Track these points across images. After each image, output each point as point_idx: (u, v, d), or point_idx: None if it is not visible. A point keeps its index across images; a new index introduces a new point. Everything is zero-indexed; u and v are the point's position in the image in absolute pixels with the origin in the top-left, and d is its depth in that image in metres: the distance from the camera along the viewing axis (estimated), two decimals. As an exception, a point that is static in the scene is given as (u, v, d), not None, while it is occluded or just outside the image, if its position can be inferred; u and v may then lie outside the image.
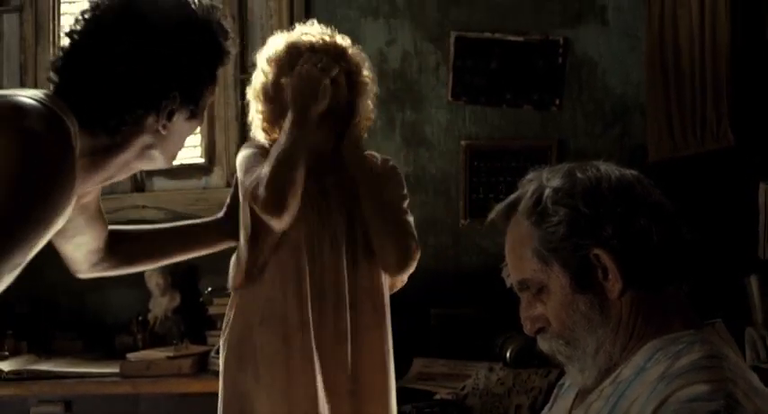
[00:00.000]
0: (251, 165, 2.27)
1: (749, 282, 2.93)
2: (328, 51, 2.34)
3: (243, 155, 2.34)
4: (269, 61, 2.36)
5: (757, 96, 3.07)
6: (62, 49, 1.59)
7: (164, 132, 1.60)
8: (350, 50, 2.41)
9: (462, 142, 3.60)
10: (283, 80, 2.30)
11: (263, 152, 2.30)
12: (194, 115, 1.65)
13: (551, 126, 3.57)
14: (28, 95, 1.46)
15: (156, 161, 1.68)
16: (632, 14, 3.52)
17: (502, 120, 3.60)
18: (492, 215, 1.49)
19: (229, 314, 2.32)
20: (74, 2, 3.91)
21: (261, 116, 2.38)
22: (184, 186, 3.76)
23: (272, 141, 2.32)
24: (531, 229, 1.39)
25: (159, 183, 3.78)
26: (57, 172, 1.41)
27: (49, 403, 3.06)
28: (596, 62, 3.57)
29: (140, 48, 1.54)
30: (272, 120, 2.35)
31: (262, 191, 2.16)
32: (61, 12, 3.90)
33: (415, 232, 2.38)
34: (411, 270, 2.36)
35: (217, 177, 3.77)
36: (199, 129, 1.78)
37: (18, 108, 1.42)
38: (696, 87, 3.14)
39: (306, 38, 2.38)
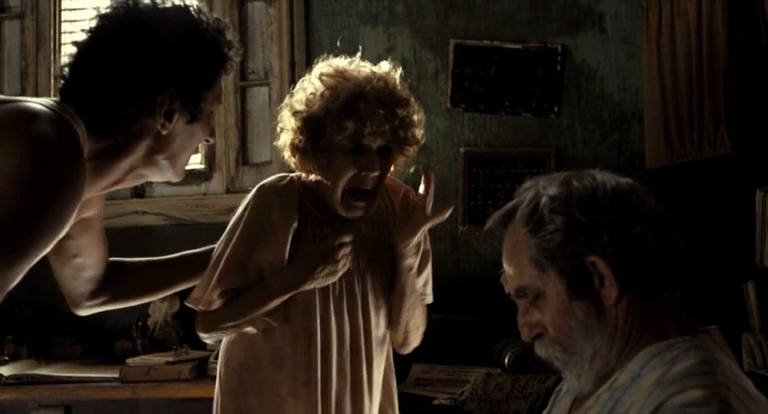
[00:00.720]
0: (235, 234, 2.09)
1: (746, 288, 2.94)
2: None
3: (250, 197, 2.15)
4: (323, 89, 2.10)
5: (755, 104, 3.08)
6: (69, 57, 1.62)
7: (163, 132, 1.61)
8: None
9: (461, 149, 3.61)
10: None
11: (269, 220, 2.11)
12: (195, 118, 1.65)
13: (550, 133, 3.58)
14: (36, 102, 1.48)
15: (163, 169, 1.68)
16: (630, 22, 3.54)
17: (500, 127, 3.61)
18: (489, 223, 1.51)
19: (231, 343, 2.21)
20: (75, 9, 3.93)
21: (292, 136, 2.12)
22: (184, 192, 3.77)
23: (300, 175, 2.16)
24: (527, 237, 1.41)
25: (159, 189, 3.79)
26: (68, 176, 1.42)
27: (48, 408, 3.07)
28: (594, 70, 3.58)
29: (137, 47, 1.58)
30: (303, 151, 2.11)
31: (199, 310, 2.10)
32: (62, 19, 3.91)
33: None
34: None
35: (217, 183, 3.78)
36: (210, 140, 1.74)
37: (28, 113, 1.43)
38: (694, 95, 3.16)
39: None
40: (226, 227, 2.16)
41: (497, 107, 3.61)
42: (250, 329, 2.10)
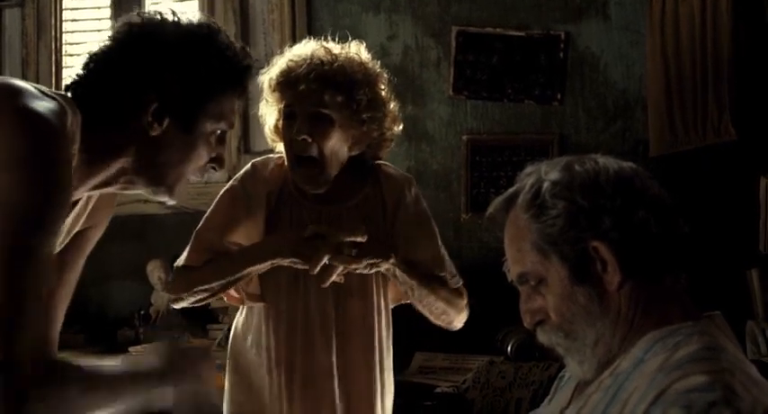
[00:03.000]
0: (218, 208, 2.19)
1: (750, 275, 2.93)
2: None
3: (235, 179, 2.24)
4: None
5: (758, 91, 3.07)
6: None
7: (152, 133, 1.56)
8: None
9: (464, 137, 3.60)
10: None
11: (253, 187, 2.19)
12: (188, 128, 1.59)
13: (553, 121, 3.57)
14: (26, 83, 1.47)
15: (154, 181, 1.62)
16: (634, 9, 3.52)
17: (503, 114, 3.60)
18: (491, 209, 1.50)
19: (239, 318, 2.27)
20: (75, -4, 3.92)
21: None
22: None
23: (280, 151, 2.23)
24: (529, 223, 1.39)
25: (161, 178, 3.78)
26: (56, 142, 1.40)
27: (51, 396, 3.06)
28: (598, 57, 3.57)
29: (137, 45, 1.57)
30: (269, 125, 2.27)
31: (171, 280, 2.16)
32: (63, 7, 3.91)
33: (454, 267, 2.31)
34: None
35: (218, 172, 3.76)
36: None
37: (11, 88, 1.42)
38: (698, 82, 3.14)
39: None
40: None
41: (500, 95, 3.59)
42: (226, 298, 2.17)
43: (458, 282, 2.32)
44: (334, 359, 2.17)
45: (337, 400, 2.16)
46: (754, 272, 2.92)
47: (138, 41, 1.57)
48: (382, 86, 2.26)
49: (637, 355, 1.31)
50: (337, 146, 2.16)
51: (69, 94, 1.56)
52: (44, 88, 1.48)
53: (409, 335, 3.39)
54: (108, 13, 3.88)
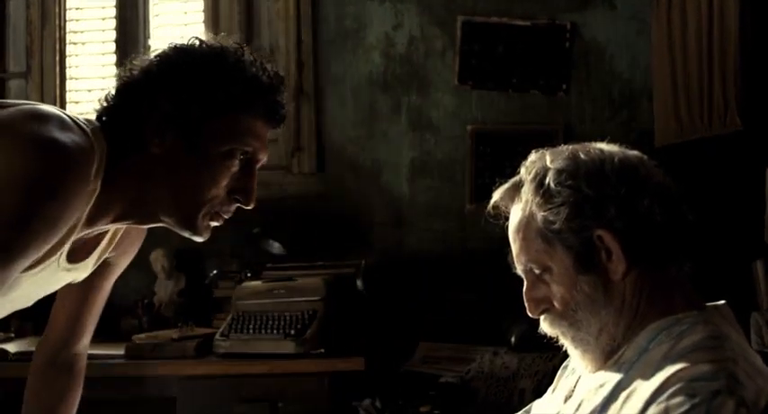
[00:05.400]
0: None
1: (755, 266, 2.92)
2: None
3: None
4: None
5: (765, 81, 3.05)
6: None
7: (154, 150, 1.53)
8: None
9: (468, 127, 3.59)
10: None
11: None
12: (194, 148, 1.53)
13: (558, 111, 3.56)
14: (54, 109, 1.49)
15: (170, 210, 1.56)
16: (640, -2, 3.50)
17: (508, 105, 3.58)
18: (495, 197, 1.50)
19: None
20: (80, -15, 3.91)
21: None
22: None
23: None
24: (534, 211, 1.39)
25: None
26: (65, 176, 1.39)
27: (54, 385, 3.06)
28: (603, 47, 3.55)
29: (155, 68, 1.56)
30: None
31: None
32: (67, -5, 3.90)
33: None
34: None
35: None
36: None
37: (36, 114, 1.44)
38: (704, 72, 3.13)
39: None
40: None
41: (505, 84, 3.58)
42: None
43: None
44: None
45: None
46: (760, 263, 2.91)
47: (158, 68, 1.56)
48: None
49: (641, 345, 1.31)
50: None
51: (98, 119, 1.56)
52: (79, 119, 1.50)
53: (413, 325, 3.40)
54: (112, 1, 3.87)
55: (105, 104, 1.58)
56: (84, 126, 1.49)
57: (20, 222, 1.34)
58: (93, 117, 1.59)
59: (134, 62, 1.59)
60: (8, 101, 1.51)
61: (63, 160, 1.38)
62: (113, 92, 1.58)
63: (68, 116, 1.48)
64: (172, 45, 1.59)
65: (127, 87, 1.57)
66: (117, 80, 1.60)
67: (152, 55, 1.59)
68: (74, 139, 1.42)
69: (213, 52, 1.57)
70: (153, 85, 1.54)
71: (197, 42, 1.59)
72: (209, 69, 1.55)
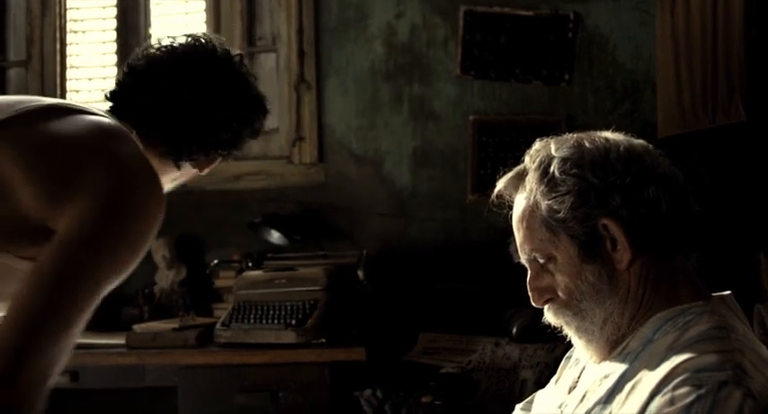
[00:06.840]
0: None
1: (760, 258, 2.91)
2: None
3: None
4: None
5: (769, 72, 3.03)
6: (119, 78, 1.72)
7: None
8: None
9: (470, 117, 3.57)
10: None
11: None
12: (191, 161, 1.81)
13: (561, 101, 3.54)
14: (102, 114, 1.56)
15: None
16: (644, -12, 3.48)
17: (510, 95, 3.57)
18: (499, 186, 1.48)
19: None
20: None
21: None
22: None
23: None
24: (538, 200, 1.38)
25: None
26: (156, 195, 1.47)
27: (55, 374, 3.06)
28: (607, 37, 3.53)
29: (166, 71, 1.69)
30: None
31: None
32: (67, -16, 3.88)
33: None
34: None
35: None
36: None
37: (108, 131, 1.50)
38: (707, 62, 3.11)
39: None
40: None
41: (508, 75, 3.56)
42: None
43: None
44: None
45: None
46: (764, 254, 2.90)
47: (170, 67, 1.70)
48: None
49: (646, 335, 1.30)
50: None
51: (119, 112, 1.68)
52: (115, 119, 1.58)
53: (415, 315, 3.39)
54: (113, -10, 3.86)
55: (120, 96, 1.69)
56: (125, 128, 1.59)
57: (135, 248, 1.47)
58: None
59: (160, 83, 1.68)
60: (58, 105, 1.52)
61: (157, 178, 1.50)
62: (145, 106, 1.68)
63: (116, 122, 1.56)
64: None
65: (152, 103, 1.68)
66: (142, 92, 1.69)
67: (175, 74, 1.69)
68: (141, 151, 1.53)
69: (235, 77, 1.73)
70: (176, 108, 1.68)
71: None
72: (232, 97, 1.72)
